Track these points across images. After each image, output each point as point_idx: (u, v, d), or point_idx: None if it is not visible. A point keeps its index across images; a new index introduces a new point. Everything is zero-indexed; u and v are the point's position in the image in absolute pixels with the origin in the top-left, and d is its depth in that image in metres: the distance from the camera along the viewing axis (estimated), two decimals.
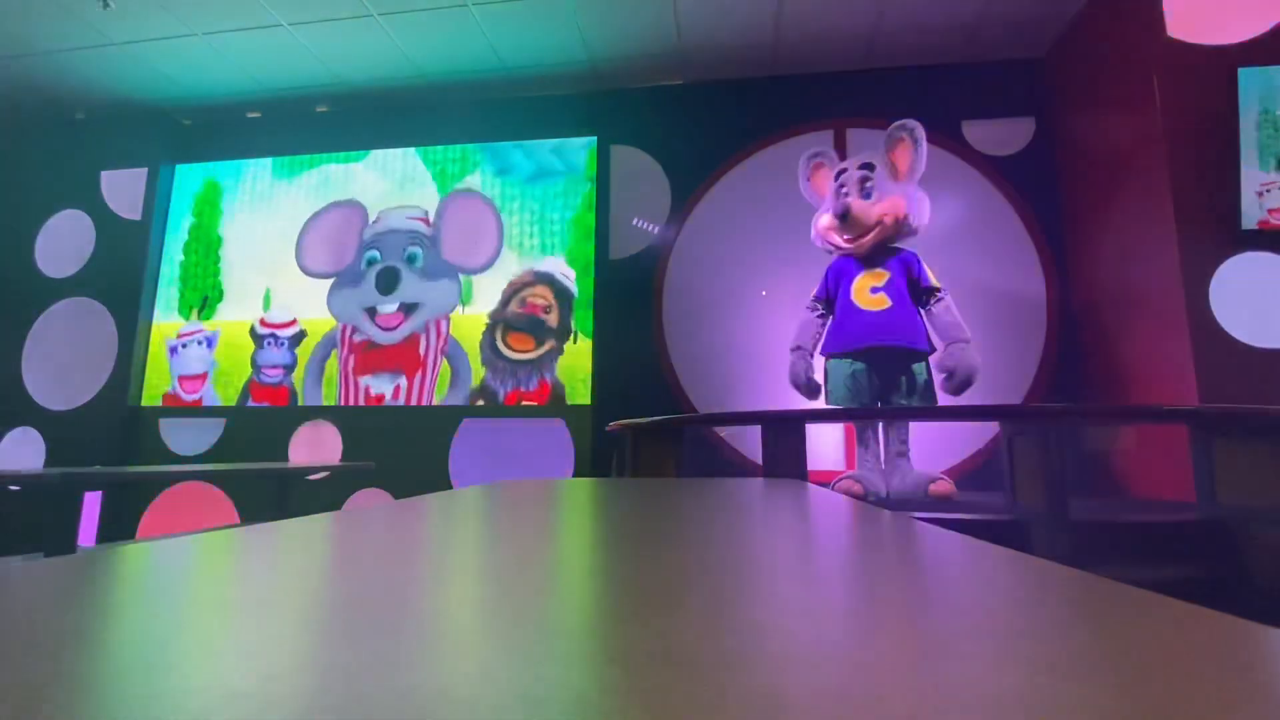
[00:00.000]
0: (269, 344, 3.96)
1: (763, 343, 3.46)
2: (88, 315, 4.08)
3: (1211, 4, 2.61)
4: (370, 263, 3.97)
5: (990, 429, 3.14)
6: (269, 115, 4.29)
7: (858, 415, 2.60)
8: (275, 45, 3.60)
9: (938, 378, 2.53)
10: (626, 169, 3.83)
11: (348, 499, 3.67)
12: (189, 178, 4.30)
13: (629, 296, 3.68)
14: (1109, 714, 0.15)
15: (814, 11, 3.28)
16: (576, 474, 3.53)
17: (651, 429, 2.30)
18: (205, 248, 4.17)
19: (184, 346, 4.06)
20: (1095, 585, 0.29)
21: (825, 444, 3.28)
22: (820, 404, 2.71)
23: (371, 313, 3.90)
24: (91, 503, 3.70)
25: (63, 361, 4.05)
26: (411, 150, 4.07)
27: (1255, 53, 2.52)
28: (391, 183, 4.06)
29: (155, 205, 4.18)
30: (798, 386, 2.70)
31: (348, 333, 3.90)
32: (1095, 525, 1.79)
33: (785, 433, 2.02)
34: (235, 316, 4.06)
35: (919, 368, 2.54)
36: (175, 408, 3.97)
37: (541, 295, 3.77)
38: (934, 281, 2.59)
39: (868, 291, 2.58)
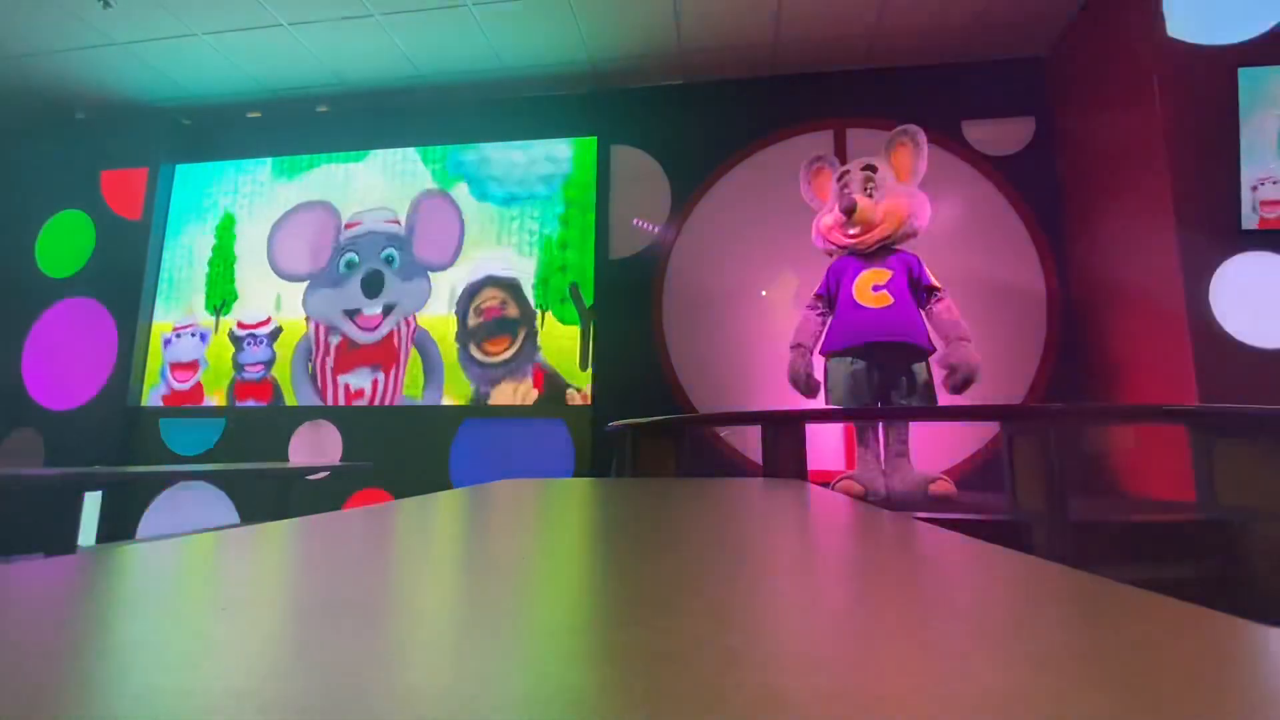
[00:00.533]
0: (248, 344, 4.00)
1: (763, 343, 3.46)
2: (88, 315, 4.08)
3: (1211, 4, 2.61)
4: (349, 265, 3.99)
5: (990, 429, 3.14)
6: (269, 115, 4.29)
7: (858, 415, 2.60)
8: (275, 45, 3.60)
9: (939, 375, 2.53)
10: (626, 169, 3.83)
11: (348, 499, 3.67)
12: (189, 178, 4.30)
13: (629, 296, 3.68)
14: (1109, 714, 0.15)
15: (814, 11, 3.28)
16: (576, 474, 3.53)
17: (651, 429, 2.30)
18: (225, 253, 4.19)
19: (177, 338, 4.09)
20: (1095, 585, 0.29)
21: (825, 444, 3.28)
22: (819, 403, 2.71)
23: (352, 313, 3.94)
24: (91, 503, 3.70)
25: (63, 361, 4.05)
26: (412, 150, 4.07)
27: (1255, 53, 2.52)
28: (393, 183, 4.07)
29: (155, 205, 4.18)
30: (796, 384, 2.70)
31: (321, 333, 3.93)
32: (1095, 525, 1.79)
33: (785, 433, 2.02)
34: (238, 317, 4.08)
35: (919, 367, 2.54)
36: (175, 407, 3.98)
37: (492, 296, 3.83)
38: (934, 281, 2.59)
39: (870, 289, 2.58)
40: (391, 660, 0.19)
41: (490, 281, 3.86)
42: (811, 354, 2.74)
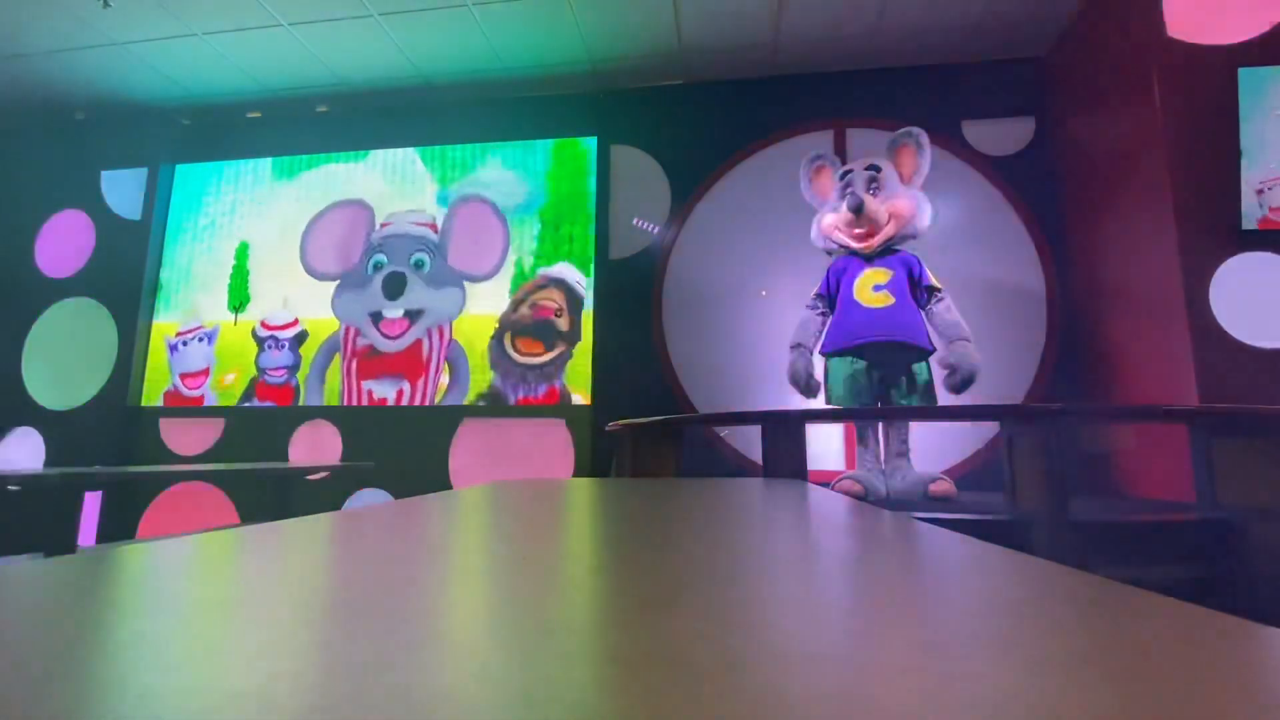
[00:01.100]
0: (269, 346, 3.96)
1: (763, 342, 3.46)
2: (88, 315, 4.09)
3: (1211, 4, 2.61)
4: (377, 266, 3.96)
5: (990, 429, 3.14)
6: (269, 115, 4.29)
7: (858, 415, 2.59)
8: (275, 45, 3.60)
9: (939, 375, 2.53)
10: (626, 169, 3.83)
11: (348, 499, 3.67)
12: (189, 178, 4.30)
13: (629, 296, 3.68)
14: (1109, 714, 0.15)
15: (814, 11, 3.28)
16: (576, 474, 3.53)
17: (651, 429, 2.30)
18: (242, 255, 4.18)
19: (184, 344, 4.06)
20: (1095, 585, 0.29)
21: (825, 444, 3.28)
22: (819, 403, 2.71)
23: (375, 317, 3.88)
24: (91, 503, 3.70)
25: (63, 361, 4.05)
26: (412, 150, 4.07)
27: (1255, 53, 2.52)
28: (392, 183, 4.06)
29: (155, 205, 4.18)
30: (796, 384, 2.70)
31: (351, 335, 3.90)
32: (1095, 525, 1.79)
33: (785, 433, 2.02)
34: (242, 317, 4.07)
35: (919, 367, 2.53)
36: (175, 407, 3.97)
37: (553, 298, 3.77)
38: (935, 282, 2.59)
39: (870, 289, 2.58)
40: (391, 660, 0.19)
41: (559, 283, 3.80)
42: (812, 354, 2.74)
